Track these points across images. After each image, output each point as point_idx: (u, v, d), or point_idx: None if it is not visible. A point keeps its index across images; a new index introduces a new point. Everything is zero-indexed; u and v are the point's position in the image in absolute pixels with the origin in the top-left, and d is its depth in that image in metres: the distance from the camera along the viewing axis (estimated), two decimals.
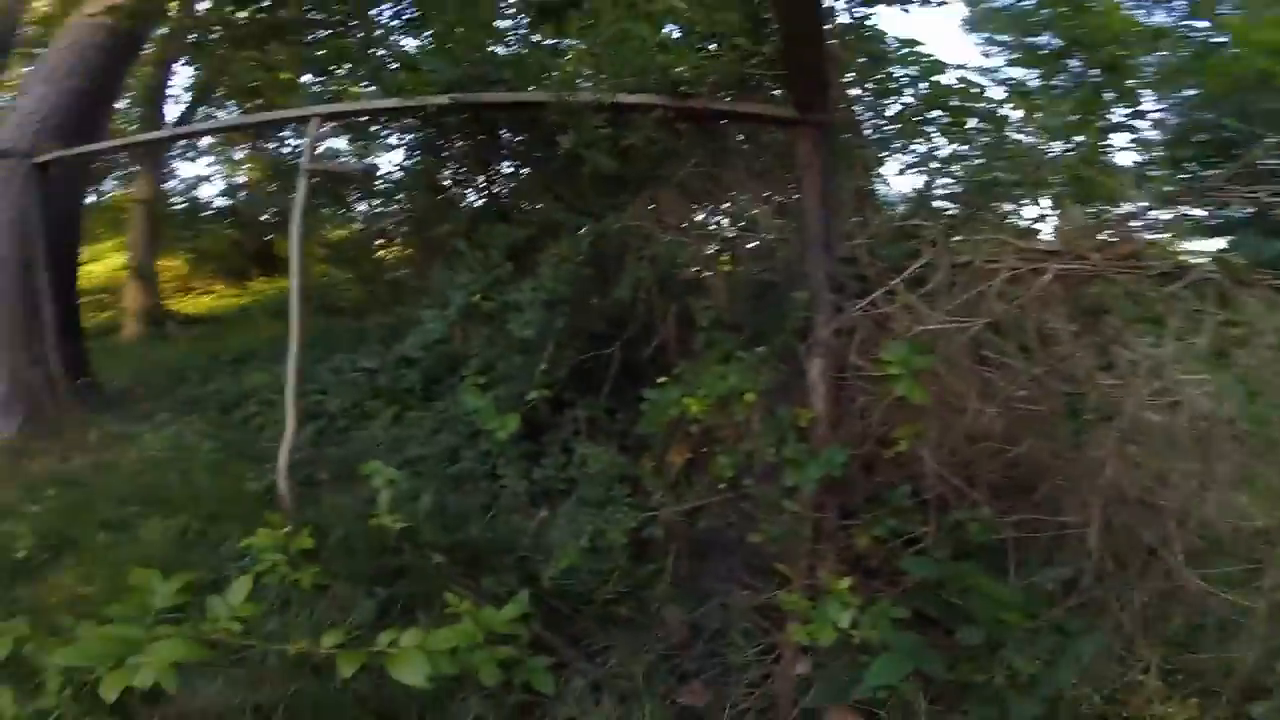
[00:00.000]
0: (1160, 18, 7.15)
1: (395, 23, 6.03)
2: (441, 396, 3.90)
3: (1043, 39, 6.20)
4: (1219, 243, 3.43)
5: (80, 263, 5.93)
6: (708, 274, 3.59)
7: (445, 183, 6.58)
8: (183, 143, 12.29)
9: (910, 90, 3.97)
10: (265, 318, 9.00)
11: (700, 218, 3.90)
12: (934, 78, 3.93)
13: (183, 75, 10.44)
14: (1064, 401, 1.99)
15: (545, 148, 4.72)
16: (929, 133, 3.97)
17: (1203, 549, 1.97)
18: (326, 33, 5.70)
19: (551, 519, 2.64)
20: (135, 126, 9.92)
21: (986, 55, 8.15)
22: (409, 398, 4.07)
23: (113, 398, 5.32)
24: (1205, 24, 6.91)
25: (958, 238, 2.49)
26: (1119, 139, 4.87)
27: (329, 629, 1.49)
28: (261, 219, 12.02)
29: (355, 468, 3.32)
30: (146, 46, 6.87)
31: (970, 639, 1.78)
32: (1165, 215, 2.42)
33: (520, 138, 5.06)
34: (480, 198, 6.23)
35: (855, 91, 3.98)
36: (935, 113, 3.93)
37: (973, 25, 8.63)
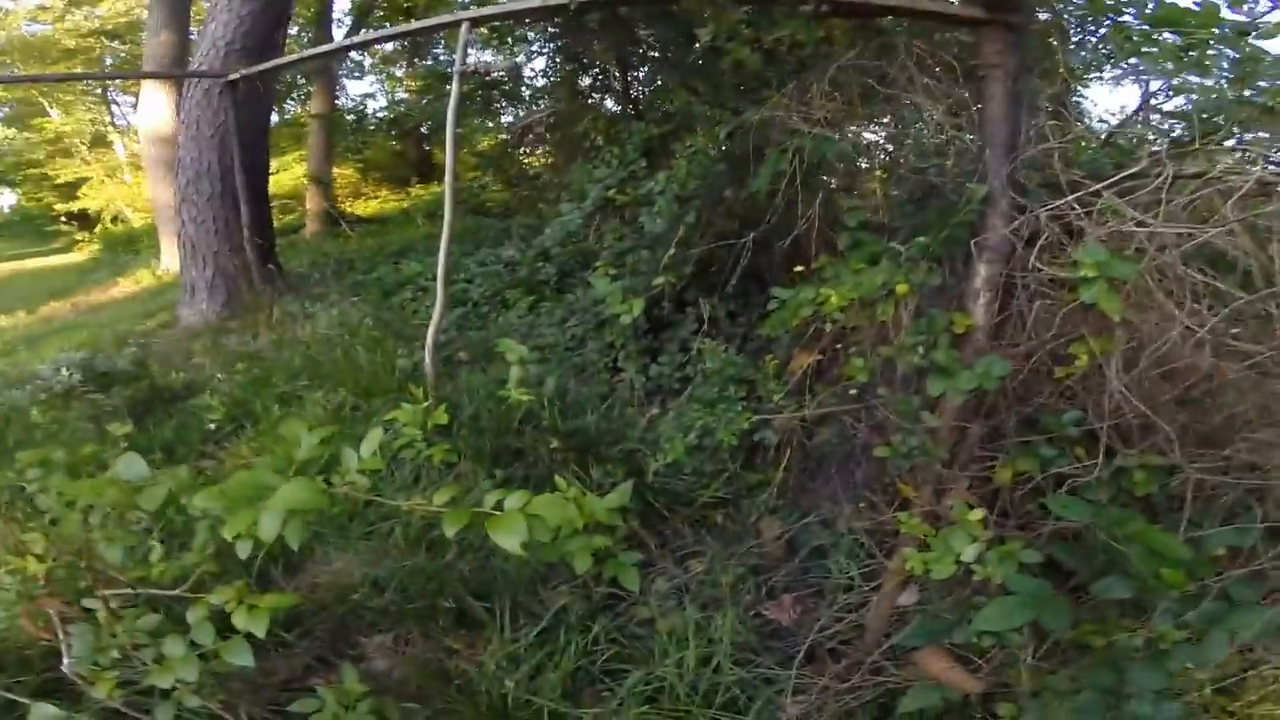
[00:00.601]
0: None
1: None
2: (573, 289, 4.08)
3: None
4: None
5: (269, 170, 6.65)
6: (860, 170, 3.28)
7: (584, 87, 6.61)
8: (349, 63, 13.33)
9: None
10: (422, 218, 9.76)
11: (854, 114, 3.54)
12: None
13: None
14: None
15: (683, 44, 4.50)
16: (1152, 53, 3.21)
17: None
18: None
19: (663, 416, 2.63)
20: (306, 44, 10.82)
21: None
22: (544, 289, 4.34)
23: (294, 283, 6.05)
24: None
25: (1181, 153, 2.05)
26: None
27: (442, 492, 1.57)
28: (420, 129, 12.83)
29: (491, 350, 3.60)
30: None
31: (1114, 592, 1.53)
32: None
33: (658, 34, 4.84)
34: (617, 102, 6.17)
35: None
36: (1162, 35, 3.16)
37: None
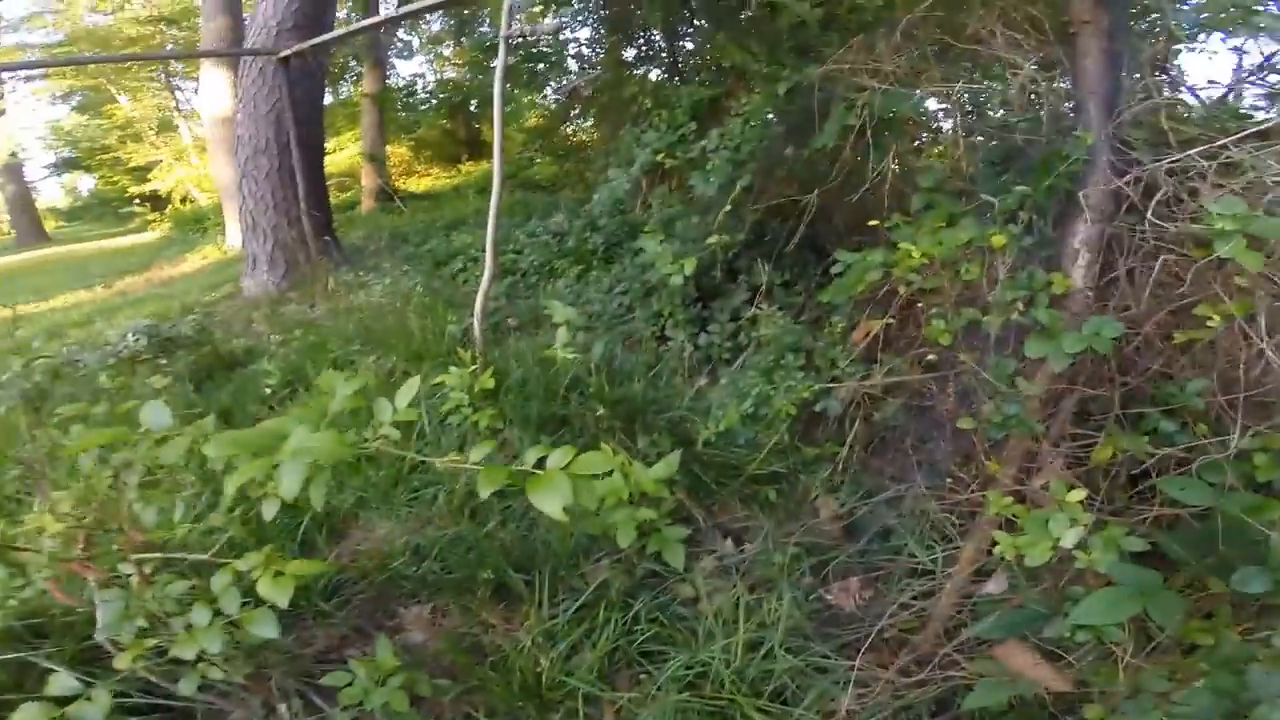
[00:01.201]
0: None
1: None
2: (620, 259, 4.01)
3: None
4: None
5: (324, 144, 6.76)
6: (936, 130, 3.03)
7: (629, 59, 6.47)
8: (399, 42, 13.44)
9: None
10: (473, 194, 9.84)
11: (927, 71, 3.28)
12: None
13: None
14: None
15: (734, 7, 4.27)
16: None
17: None
18: None
19: (712, 386, 2.48)
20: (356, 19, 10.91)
21: None
22: (592, 258, 4.28)
23: (350, 255, 6.17)
24: None
25: None
26: None
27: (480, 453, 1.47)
28: (469, 107, 12.92)
29: (540, 317, 3.53)
30: None
31: (1252, 586, 1.32)
32: None
33: None
34: (664, 71, 5.99)
35: None
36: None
37: None
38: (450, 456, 1.31)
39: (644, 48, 6.46)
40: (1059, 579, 1.43)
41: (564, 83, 7.13)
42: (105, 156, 17.60)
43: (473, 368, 2.68)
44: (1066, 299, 1.59)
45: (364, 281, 4.90)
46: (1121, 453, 1.58)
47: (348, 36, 6.09)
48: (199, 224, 12.21)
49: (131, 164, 16.83)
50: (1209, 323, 1.37)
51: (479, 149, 13.82)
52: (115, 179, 18.41)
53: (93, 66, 15.45)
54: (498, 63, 3.03)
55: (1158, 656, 1.41)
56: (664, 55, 6.10)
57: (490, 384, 2.62)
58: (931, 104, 3.06)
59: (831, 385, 1.98)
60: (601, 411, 2.28)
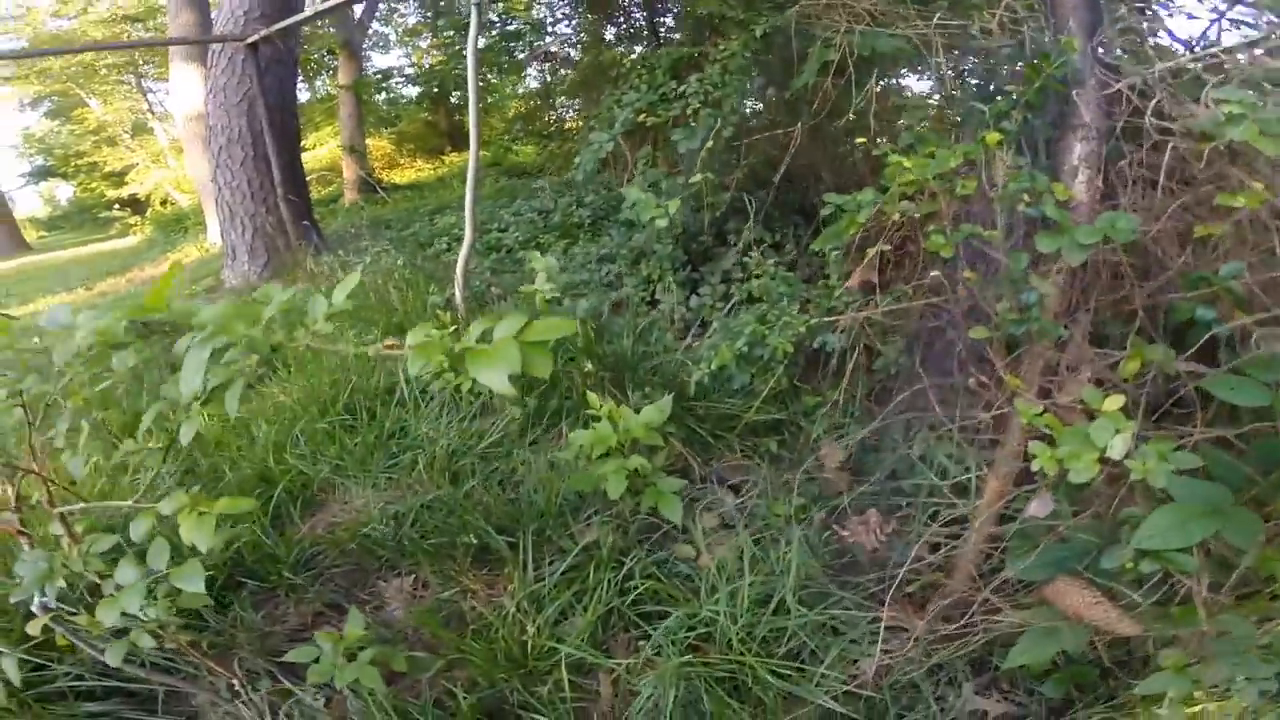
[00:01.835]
0: None
1: None
2: (607, 231, 3.93)
3: None
4: None
5: (299, 131, 6.58)
6: (918, 68, 2.90)
7: (609, 39, 6.36)
8: (375, 35, 13.22)
9: None
10: (458, 182, 9.65)
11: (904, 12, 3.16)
12: None
13: None
14: None
15: None
16: None
17: None
18: None
19: (705, 337, 2.35)
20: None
21: None
22: (578, 231, 4.22)
23: (332, 242, 6.02)
24: None
25: None
26: None
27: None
28: (450, 98, 12.71)
29: (525, 283, 3.41)
30: None
31: None
32: None
33: None
34: (646, 47, 5.85)
35: None
36: None
37: None
38: (387, 340, 1.14)
39: (625, 27, 6.34)
40: (1108, 504, 1.27)
41: (537, 45, 7.01)
42: (81, 162, 17.29)
43: (454, 327, 2.54)
44: (1071, 209, 1.46)
45: (345, 262, 4.77)
46: (1150, 364, 1.43)
47: (317, 17, 5.89)
48: (180, 225, 12.00)
49: (108, 169, 16.54)
50: (1235, 204, 1.23)
51: (462, 140, 13.58)
52: (93, 185, 18.11)
53: (59, 69, 15.14)
54: (470, 27, 2.89)
55: (1230, 594, 1.24)
56: (644, 32, 5.97)
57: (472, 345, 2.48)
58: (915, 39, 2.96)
59: (829, 319, 1.84)
60: (589, 367, 2.14)
